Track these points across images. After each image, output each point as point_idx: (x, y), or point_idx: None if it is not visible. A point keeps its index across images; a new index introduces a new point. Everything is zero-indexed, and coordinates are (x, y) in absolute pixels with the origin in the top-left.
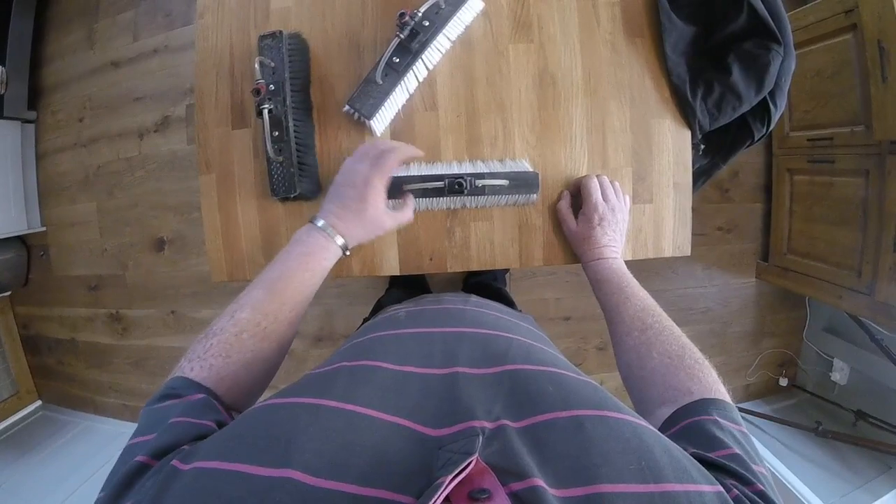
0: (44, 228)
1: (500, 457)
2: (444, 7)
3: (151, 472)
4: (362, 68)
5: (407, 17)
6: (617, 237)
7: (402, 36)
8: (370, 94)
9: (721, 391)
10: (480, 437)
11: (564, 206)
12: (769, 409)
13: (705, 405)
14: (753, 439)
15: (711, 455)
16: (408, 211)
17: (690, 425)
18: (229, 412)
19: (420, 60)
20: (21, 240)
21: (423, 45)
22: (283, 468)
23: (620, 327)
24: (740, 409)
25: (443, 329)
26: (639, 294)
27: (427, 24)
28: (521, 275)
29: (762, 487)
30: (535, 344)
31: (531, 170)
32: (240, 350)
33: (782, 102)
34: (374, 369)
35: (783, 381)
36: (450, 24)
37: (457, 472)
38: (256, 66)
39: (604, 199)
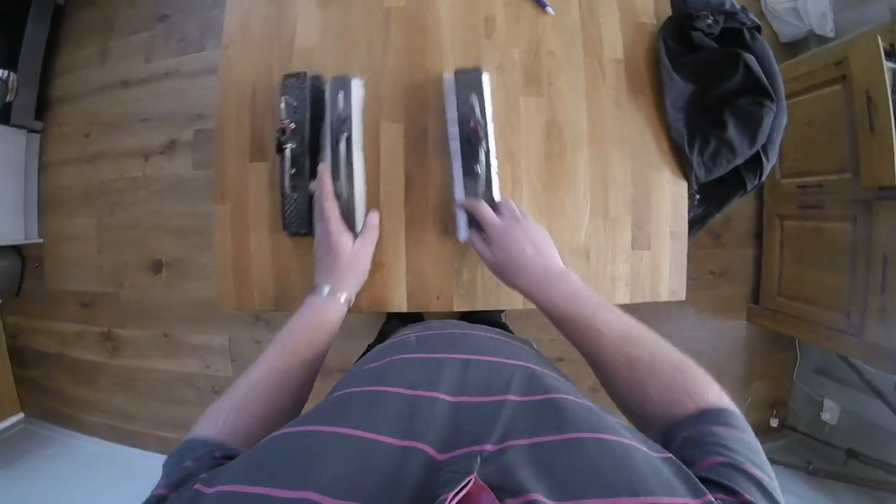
0: (41, 240)
1: (498, 476)
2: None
3: (172, 498)
4: (379, 110)
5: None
6: (543, 247)
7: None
8: None
9: (714, 396)
10: (479, 459)
11: (476, 238)
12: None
13: (702, 417)
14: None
15: (702, 465)
16: (371, 231)
17: (686, 440)
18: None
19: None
20: (17, 249)
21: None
22: (302, 490)
23: (604, 369)
24: None
25: (451, 355)
26: (610, 322)
27: None
28: (517, 314)
29: (749, 498)
30: (537, 369)
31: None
32: (254, 402)
33: (774, 155)
34: (385, 395)
35: (774, 422)
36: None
37: (456, 490)
38: (282, 105)
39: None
